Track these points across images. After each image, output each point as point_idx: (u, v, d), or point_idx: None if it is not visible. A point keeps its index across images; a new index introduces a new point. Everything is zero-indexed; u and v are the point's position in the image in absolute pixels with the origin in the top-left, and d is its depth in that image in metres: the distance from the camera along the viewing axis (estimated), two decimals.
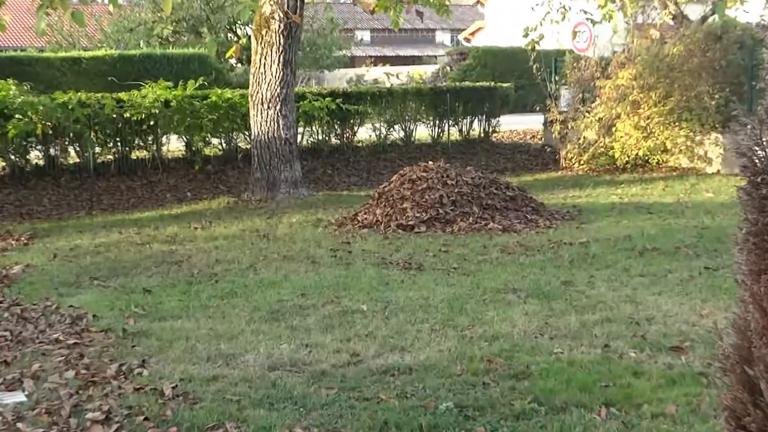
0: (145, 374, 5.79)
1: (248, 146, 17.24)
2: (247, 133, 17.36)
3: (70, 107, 15.66)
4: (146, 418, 4.92)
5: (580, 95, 19.18)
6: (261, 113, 15.25)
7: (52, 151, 16.78)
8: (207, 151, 17.93)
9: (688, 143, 17.65)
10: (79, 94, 16.21)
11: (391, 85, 25.45)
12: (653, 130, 17.56)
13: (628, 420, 4.82)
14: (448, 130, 21.46)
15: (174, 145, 18.22)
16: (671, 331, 6.49)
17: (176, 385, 5.48)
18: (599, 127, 18.20)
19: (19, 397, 5.34)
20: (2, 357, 6.22)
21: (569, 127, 18.94)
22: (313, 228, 12.10)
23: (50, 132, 15.96)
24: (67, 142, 16.77)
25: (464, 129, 21.96)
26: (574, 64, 19.05)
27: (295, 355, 6.16)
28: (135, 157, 17.33)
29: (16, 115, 15.09)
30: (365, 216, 12.26)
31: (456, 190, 12.11)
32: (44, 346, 6.54)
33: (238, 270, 9.36)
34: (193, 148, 17.67)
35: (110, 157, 17.05)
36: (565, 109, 19.56)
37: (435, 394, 5.31)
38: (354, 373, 5.77)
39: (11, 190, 15.57)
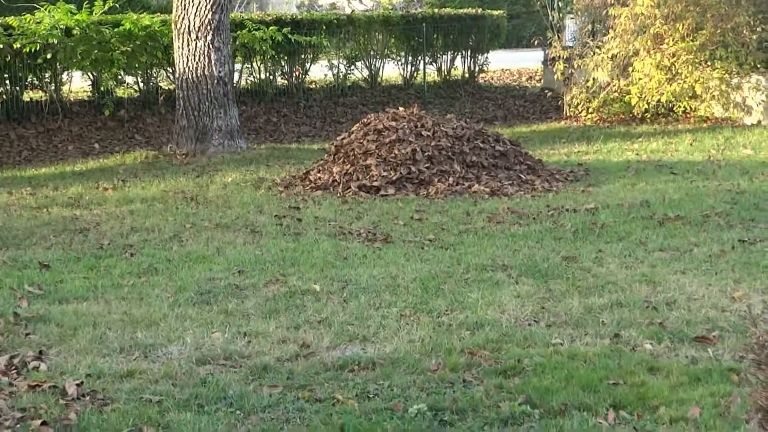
0: (42, 368, 5.81)
1: (172, 87, 17.19)
2: (170, 70, 17.32)
3: None
4: (44, 423, 4.96)
5: (589, 26, 19.28)
6: (188, 45, 15.20)
7: None
8: (120, 92, 17.87)
9: (723, 87, 17.82)
10: None
11: (353, 11, 25.43)
12: (679, 71, 17.71)
13: (642, 425, 4.93)
14: (424, 68, 21.50)
15: (78, 85, 18.12)
16: (696, 318, 6.61)
17: (81, 382, 5.51)
18: (612, 67, 18.32)
19: None
20: None
21: (575, 66, 19.05)
22: (254, 189, 12.12)
23: None
24: None
25: (444, 68, 22.02)
26: None
27: (231, 347, 6.21)
28: (28, 99, 17.22)
29: None
30: (319, 175, 12.31)
31: (433, 144, 12.18)
32: None
33: (159, 241, 9.37)
34: (102, 89, 17.59)
35: None
36: (571, 44, 19.66)
37: (404, 394, 5.39)
38: (304, 368, 5.83)
39: None
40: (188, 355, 6.06)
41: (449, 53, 22.03)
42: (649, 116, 18.15)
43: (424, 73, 21.49)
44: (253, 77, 19.40)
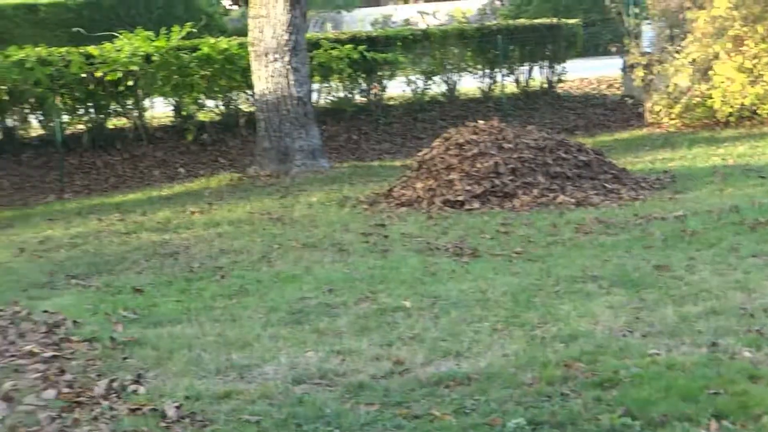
0: (141, 392, 5.89)
1: (252, 109, 17.34)
2: (249, 92, 17.46)
3: (28, 66, 15.82)
4: None
5: (667, 31, 19.08)
6: (265, 66, 15.33)
7: (9, 121, 17.00)
8: (201, 116, 18.05)
9: None
10: (38, 49, 16.36)
11: (427, 26, 25.46)
12: (761, 73, 17.45)
13: None
14: (502, 80, 21.44)
15: (160, 110, 18.35)
16: None
17: (181, 405, 5.58)
18: (693, 71, 18.11)
19: None
20: None
21: (655, 72, 18.86)
22: (339, 208, 12.18)
23: (5, 98, 16.15)
24: (27, 111, 16.97)
25: (522, 79, 21.94)
26: None
27: (325, 365, 6.24)
28: (112, 127, 17.49)
29: None
30: (403, 191, 12.33)
31: (515, 156, 12.14)
32: (16, 360, 6.65)
33: (248, 262, 9.46)
34: (184, 113, 17.81)
35: (82, 127, 17.24)
36: (649, 50, 19.48)
37: (501, 409, 5.37)
38: (399, 384, 5.84)
39: None
40: (283, 375, 6.10)
41: (526, 64, 21.93)
42: (733, 120, 17.89)
43: (502, 85, 21.42)
44: (332, 96, 19.48)
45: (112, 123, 17.64)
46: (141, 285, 8.73)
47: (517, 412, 5.29)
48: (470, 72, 21.34)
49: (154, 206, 13.21)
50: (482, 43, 21.04)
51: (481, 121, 13.18)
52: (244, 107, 18.29)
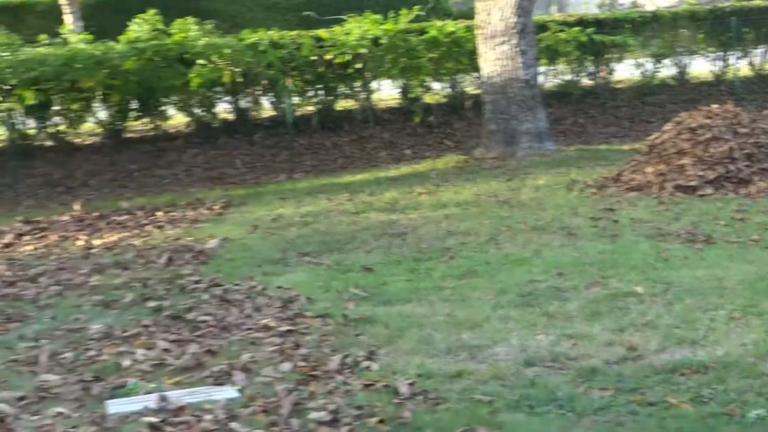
0: (374, 368, 5.98)
1: (478, 91, 17.35)
2: (475, 75, 17.47)
3: (261, 49, 16.24)
4: (381, 420, 5.09)
5: None
6: (492, 49, 15.29)
7: (242, 103, 17.54)
8: (427, 98, 18.18)
9: None
10: (270, 32, 16.79)
11: (657, 8, 24.89)
12: None
13: None
14: (735, 63, 20.79)
15: (387, 93, 18.58)
16: None
17: (413, 382, 5.64)
18: None
19: (229, 392, 5.65)
20: (206, 345, 6.60)
21: None
22: (566, 191, 12.06)
23: (239, 80, 16.65)
24: (259, 92, 17.48)
25: (756, 62, 21.21)
26: None
27: (556, 348, 6.20)
28: (340, 108, 17.81)
29: (199, 61, 15.79)
30: (632, 176, 12.10)
31: (751, 141, 11.75)
32: (253, 333, 6.88)
33: (476, 244, 9.48)
34: (411, 96, 17.98)
35: (311, 108, 17.63)
36: None
37: (741, 399, 5.22)
38: (632, 370, 5.74)
39: (198, 150, 16.41)
40: (514, 357, 6.09)
41: (761, 46, 21.20)
42: None
43: (735, 68, 20.77)
44: (558, 79, 19.32)
45: (340, 105, 17.97)
46: (370, 264, 8.87)
47: (758, 403, 5.13)
48: (701, 55, 20.78)
49: (382, 187, 13.39)
50: (715, 25, 20.46)
51: (714, 105, 12.79)
52: (470, 90, 18.33)
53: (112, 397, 5.71)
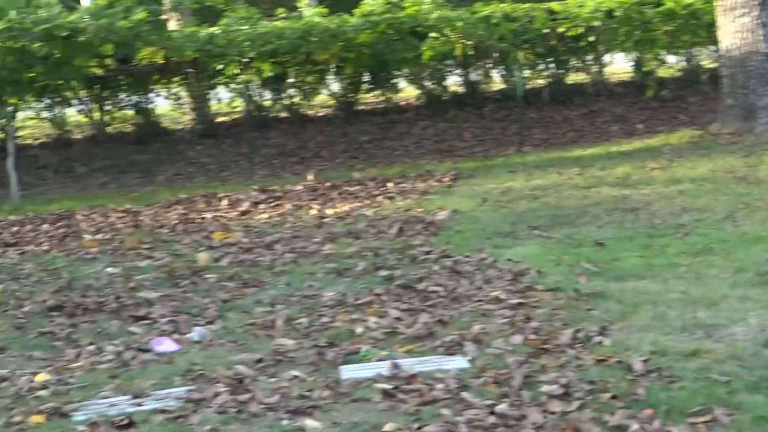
0: (606, 344, 5.91)
1: (714, 65, 16.86)
2: (712, 48, 16.98)
3: (493, 22, 16.22)
4: (614, 396, 5.03)
5: None
6: (732, 21, 14.82)
7: (472, 76, 17.59)
8: (661, 72, 17.81)
9: None
10: (503, 5, 16.75)
11: None
12: None
13: None
14: None
15: (619, 66, 18.30)
16: None
17: (647, 359, 5.54)
18: None
19: (460, 362, 5.69)
20: (437, 315, 6.66)
21: None
22: None
23: (471, 53, 16.68)
24: (490, 65, 17.49)
25: None
26: None
27: None
28: (571, 82, 17.65)
29: (432, 34, 15.90)
30: None
31: None
32: (483, 305, 6.90)
33: (712, 221, 9.22)
34: (644, 69, 17.65)
35: (541, 81, 17.54)
36: None
37: None
38: None
39: (428, 122, 16.57)
40: (753, 337, 5.89)
41: None
42: None
43: None
44: None
45: (571, 78, 17.79)
46: (602, 239, 8.75)
47: None
48: None
49: (613, 161, 13.19)
50: None
51: None
52: (706, 63, 17.83)
53: (346, 362, 5.83)
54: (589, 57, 17.61)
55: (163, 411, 5.09)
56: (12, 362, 6.30)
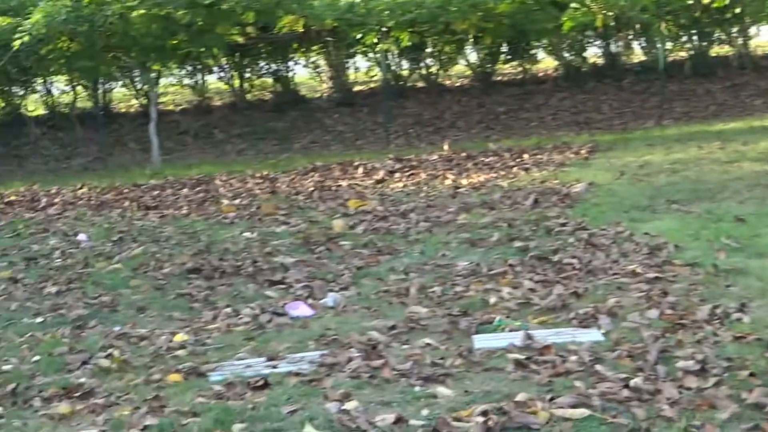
0: (745, 321, 5.77)
1: None
2: None
3: None
4: (752, 374, 4.92)
5: None
6: None
7: (613, 47, 17.34)
8: None
9: None
10: None
11: None
12: None
13: None
14: None
15: (766, 38, 17.85)
16: None
17: None
18: None
19: (594, 335, 5.64)
20: (572, 288, 6.60)
21: None
22: None
23: (611, 24, 16.43)
24: (631, 37, 17.21)
25: None
26: None
27: None
28: (714, 54, 17.26)
29: (572, 4, 15.68)
30: None
31: None
32: (619, 278, 6.82)
33: None
34: None
35: (683, 54, 17.19)
36: None
37: None
38: None
39: (566, 94, 16.43)
40: None
41: None
42: None
43: None
44: None
45: (715, 50, 17.41)
46: (743, 214, 8.56)
47: None
48: None
49: (756, 136, 12.89)
50: None
51: None
52: None
53: (479, 332, 5.83)
54: (735, 29, 17.18)
55: (297, 374, 5.17)
56: (151, 322, 6.48)
